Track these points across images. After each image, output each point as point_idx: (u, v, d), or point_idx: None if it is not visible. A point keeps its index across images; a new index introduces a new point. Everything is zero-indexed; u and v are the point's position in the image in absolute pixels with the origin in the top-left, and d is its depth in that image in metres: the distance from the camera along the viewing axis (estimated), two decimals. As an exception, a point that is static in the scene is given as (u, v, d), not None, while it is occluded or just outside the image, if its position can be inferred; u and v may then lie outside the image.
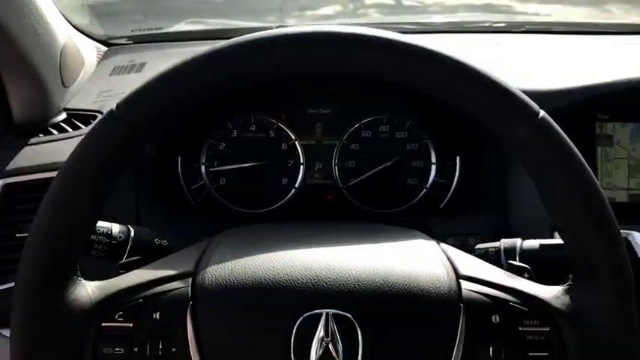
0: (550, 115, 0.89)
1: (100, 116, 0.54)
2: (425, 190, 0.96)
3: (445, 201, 0.96)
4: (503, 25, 1.37)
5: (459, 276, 0.56)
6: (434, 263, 0.57)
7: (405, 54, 0.53)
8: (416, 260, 0.58)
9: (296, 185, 0.96)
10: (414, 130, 0.97)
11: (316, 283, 0.54)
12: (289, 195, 0.96)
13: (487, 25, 1.39)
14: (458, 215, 0.92)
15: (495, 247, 0.70)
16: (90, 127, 0.54)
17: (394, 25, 1.32)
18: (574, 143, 0.99)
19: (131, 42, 1.19)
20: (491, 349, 0.53)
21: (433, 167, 0.96)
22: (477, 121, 0.55)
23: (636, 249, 0.78)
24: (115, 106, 0.53)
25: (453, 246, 0.63)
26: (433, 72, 0.54)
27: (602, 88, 0.91)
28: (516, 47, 1.19)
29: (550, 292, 0.56)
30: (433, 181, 0.96)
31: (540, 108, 0.90)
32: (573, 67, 1.04)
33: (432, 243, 0.62)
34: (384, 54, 0.54)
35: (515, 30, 1.31)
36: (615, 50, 1.18)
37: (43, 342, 0.53)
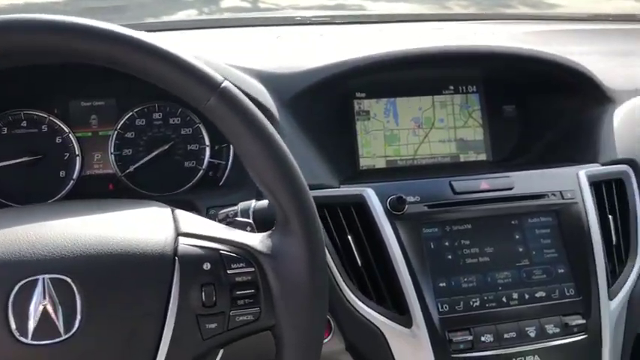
0: (308, 93, 1.01)
1: None
2: (202, 171, 1.03)
3: (223, 179, 1.04)
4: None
5: (178, 234, 0.64)
6: (156, 226, 0.64)
7: (113, 42, 0.60)
8: (139, 226, 0.64)
9: (74, 177, 0.99)
10: (187, 116, 1.03)
11: (34, 252, 0.58)
12: (67, 187, 0.98)
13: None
14: (232, 190, 1.00)
15: (234, 210, 0.79)
16: None
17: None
18: (337, 120, 1.13)
19: None
20: (203, 292, 0.61)
21: (207, 149, 1.04)
22: None
23: (367, 200, 0.89)
24: None
25: (210, 216, 0.71)
26: (137, 57, 0.60)
27: (347, 65, 1.02)
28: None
29: (256, 238, 0.65)
30: (209, 162, 1.03)
31: (297, 85, 1.00)
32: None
33: (164, 210, 0.69)
34: (95, 42, 0.59)
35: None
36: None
37: None
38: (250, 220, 0.73)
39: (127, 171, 1.01)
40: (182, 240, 0.63)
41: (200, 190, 1.02)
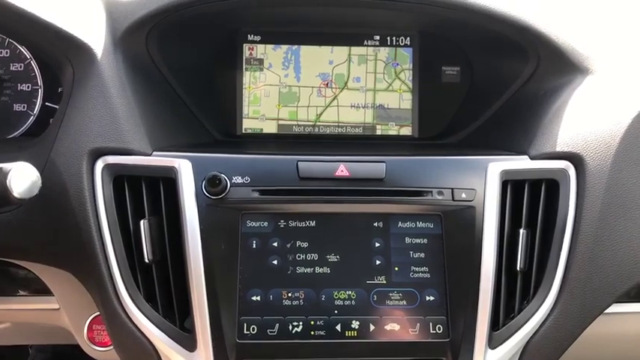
0: (150, 26, 0.76)
1: None
2: (33, 116, 0.85)
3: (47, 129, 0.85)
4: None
5: None
6: None
7: None
8: None
9: None
10: (16, 48, 0.84)
11: None
12: None
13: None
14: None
15: None
16: None
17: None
18: (214, 67, 0.89)
19: None
20: None
21: (40, 91, 0.85)
22: None
23: (177, 176, 0.67)
24: None
25: None
26: None
27: None
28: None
29: None
30: (42, 105, 0.85)
31: (131, 16, 0.77)
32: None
33: None
34: None
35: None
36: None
37: None
38: None
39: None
40: None
41: (28, 139, 0.84)
